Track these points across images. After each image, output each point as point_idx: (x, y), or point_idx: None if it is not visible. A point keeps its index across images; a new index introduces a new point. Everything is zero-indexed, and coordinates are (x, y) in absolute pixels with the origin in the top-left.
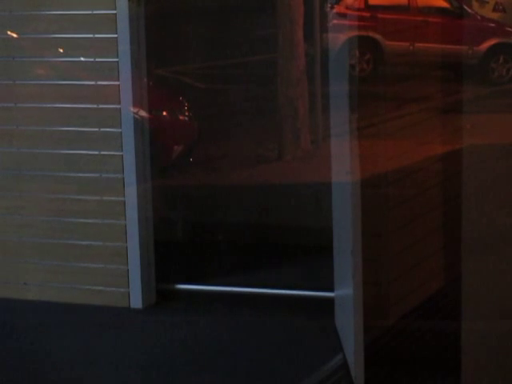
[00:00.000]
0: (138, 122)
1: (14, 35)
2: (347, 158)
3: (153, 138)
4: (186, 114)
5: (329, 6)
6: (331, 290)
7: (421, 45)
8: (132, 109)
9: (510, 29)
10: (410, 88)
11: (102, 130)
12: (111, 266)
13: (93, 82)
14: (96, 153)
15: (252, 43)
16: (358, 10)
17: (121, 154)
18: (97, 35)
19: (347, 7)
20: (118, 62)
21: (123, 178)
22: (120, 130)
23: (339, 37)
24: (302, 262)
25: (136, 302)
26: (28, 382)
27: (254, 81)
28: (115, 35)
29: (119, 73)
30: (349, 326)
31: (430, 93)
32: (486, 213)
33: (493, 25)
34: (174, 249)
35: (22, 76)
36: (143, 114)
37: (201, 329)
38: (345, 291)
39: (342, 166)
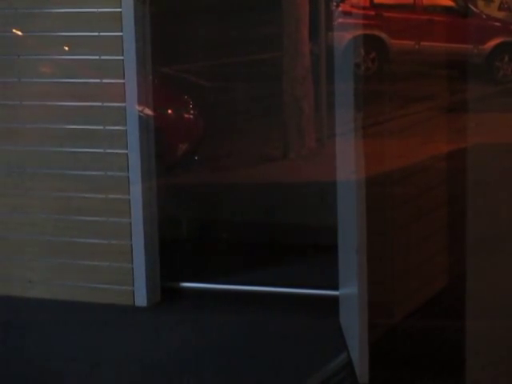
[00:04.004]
0: (143, 120)
1: (19, 33)
2: (352, 157)
3: (158, 136)
4: (191, 112)
5: (334, 4)
6: (336, 288)
7: (426, 43)
8: (137, 107)
9: None
10: (415, 87)
11: (106, 128)
12: (116, 264)
13: (98, 80)
14: (101, 151)
15: (257, 42)
16: (364, 8)
17: (126, 152)
18: (102, 33)
19: (353, 6)
20: (123, 60)
21: (128, 177)
22: (125, 128)
23: (344, 35)
24: (307, 261)
25: (141, 300)
26: (32, 380)
27: (260, 79)
28: (120, 33)
29: (124, 71)
30: (353, 325)
31: (435, 91)
32: (491, 212)
33: (498, 24)
34: (179, 247)
35: (27, 74)
36: (148, 112)
37: (205, 327)
38: (350, 289)
39: (347, 164)
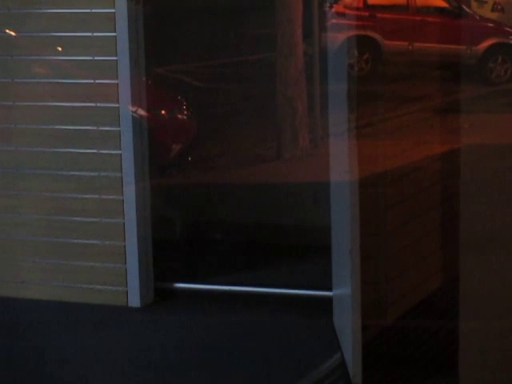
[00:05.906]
0: (136, 121)
1: (13, 33)
2: (346, 158)
3: (151, 136)
4: (185, 112)
5: (328, 5)
6: (329, 289)
7: (419, 44)
8: (130, 107)
9: (508, 29)
10: (409, 87)
11: (100, 128)
12: (109, 264)
13: (91, 81)
14: (94, 151)
15: (251, 42)
16: (357, 9)
17: (119, 152)
18: (95, 34)
19: (346, 7)
20: (116, 60)
21: (122, 177)
22: (118, 129)
23: (338, 36)
24: (300, 261)
25: (134, 300)
26: (26, 380)
27: (253, 80)
28: (114, 34)
29: (118, 71)
30: (347, 325)
31: (428, 92)
32: (485, 212)
33: (491, 25)
34: (173, 248)
35: (20, 74)
36: (142, 112)
37: (199, 328)
38: (343, 290)
39: (341, 165)
